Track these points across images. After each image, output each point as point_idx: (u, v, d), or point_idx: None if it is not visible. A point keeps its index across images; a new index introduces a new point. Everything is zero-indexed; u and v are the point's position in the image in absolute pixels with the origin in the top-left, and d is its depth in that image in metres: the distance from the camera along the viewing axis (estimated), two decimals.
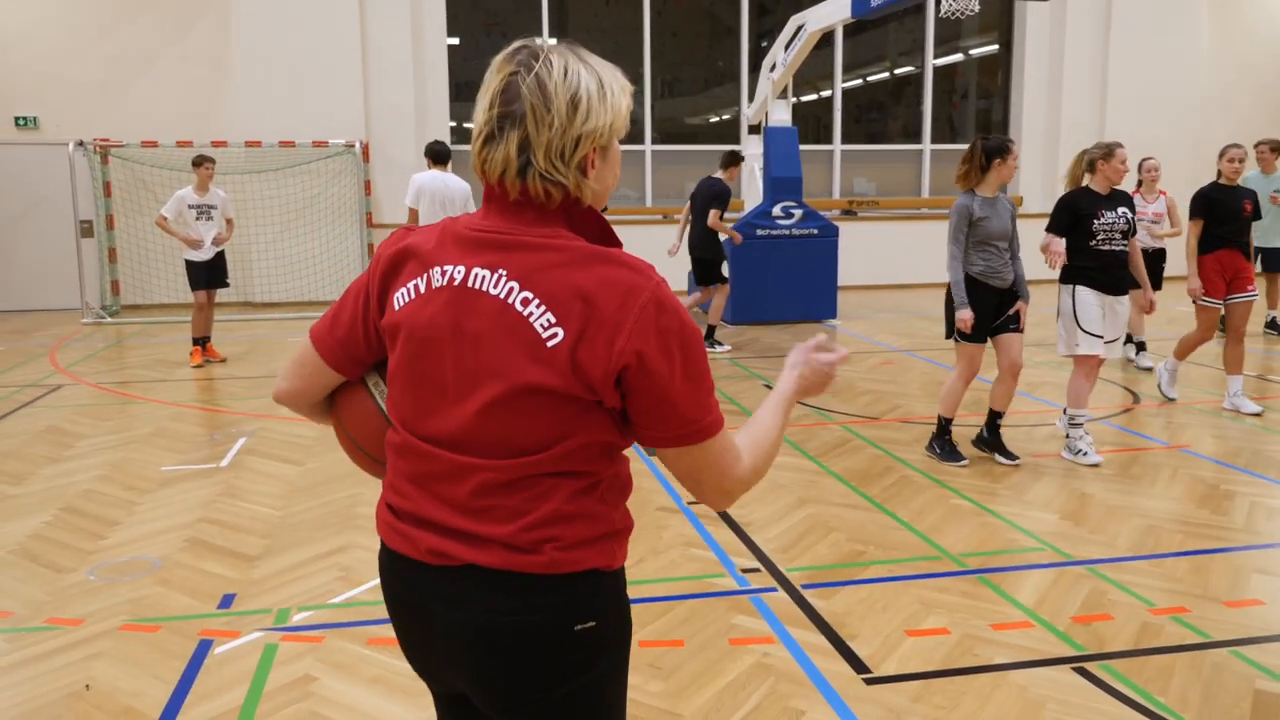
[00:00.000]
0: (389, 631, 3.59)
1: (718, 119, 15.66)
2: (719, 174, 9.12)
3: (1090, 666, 3.25)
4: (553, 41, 1.42)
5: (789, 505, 4.92)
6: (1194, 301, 6.75)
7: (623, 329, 1.32)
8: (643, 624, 3.60)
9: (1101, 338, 5.49)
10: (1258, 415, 6.51)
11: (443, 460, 1.42)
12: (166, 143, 11.80)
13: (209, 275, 8.73)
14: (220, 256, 8.82)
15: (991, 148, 5.33)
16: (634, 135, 14.92)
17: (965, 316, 5.32)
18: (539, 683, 1.41)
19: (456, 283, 1.40)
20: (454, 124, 13.91)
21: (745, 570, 4.10)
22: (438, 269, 1.42)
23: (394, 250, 1.49)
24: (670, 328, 1.35)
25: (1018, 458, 5.52)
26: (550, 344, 1.34)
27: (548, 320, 1.34)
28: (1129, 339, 8.19)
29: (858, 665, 3.28)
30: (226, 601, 3.89)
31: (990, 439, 5.63)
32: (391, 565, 1.52)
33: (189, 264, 8.68)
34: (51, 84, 12.31)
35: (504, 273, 1.37)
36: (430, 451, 1.43)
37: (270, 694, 3.18)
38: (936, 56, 15.59)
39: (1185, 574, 4.02)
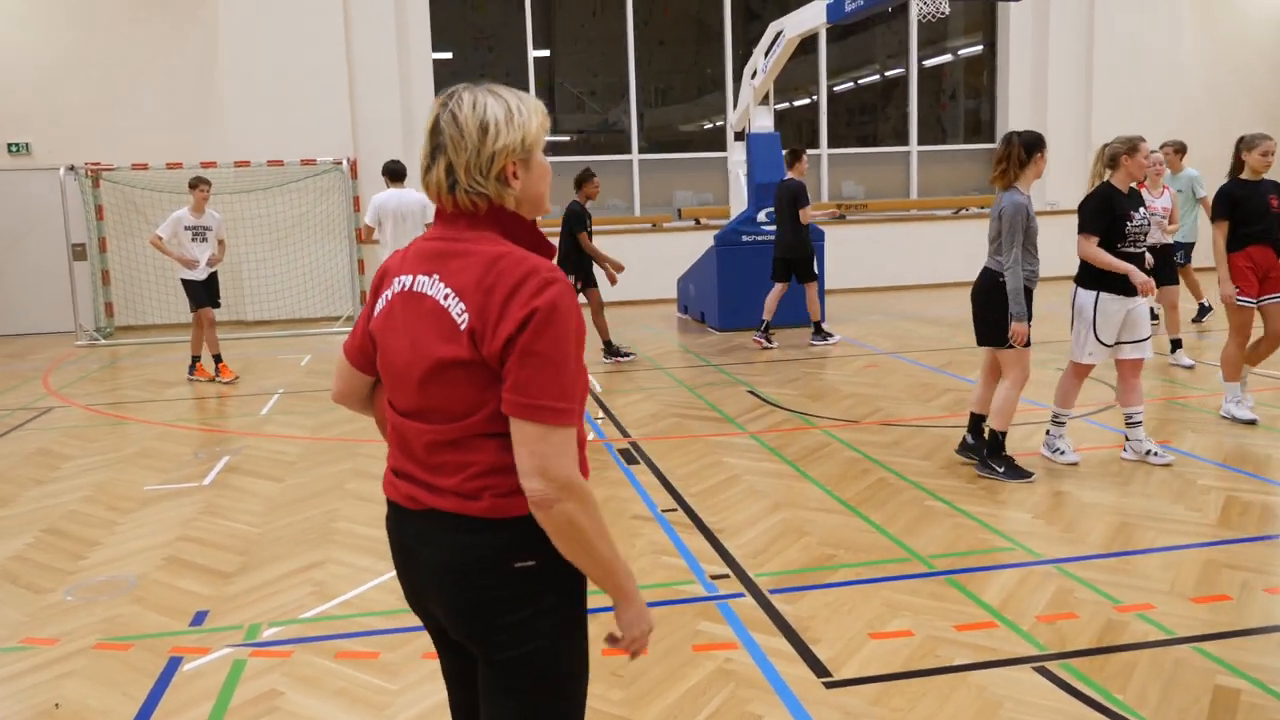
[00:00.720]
0: (357, 645, 3.63)
1: (711, 126, 15.73)
2: (789, 175, 9.55)
3: (1051, 665, 3.27)
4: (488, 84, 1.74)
5: (763, 510, 4.94)
6: (1226, 305, 6.25)
7: (509, 312, 1.59)
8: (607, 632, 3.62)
9: (1111, 346, 5.29)
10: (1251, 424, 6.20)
11: (409, 427, 1.75)
12: (156, 165, 11.89)
13: (209, 293, 8.81)
14: (214, 276, 8.90)
15: (1030, 141, 5.10)
16: (620, 145, 14.99)
17: (1024, 330, 5.05)
18: (489, 611, 1.68)
19: (406, 289, 1.75)
20: None
21: (714, 577, 4.13)
22: (397, 280, 1.78)
23: (380, 270, 1.87)
24: (546, 313, 1.58)
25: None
26: (461, 327, 1.63)
27: (460, 309, 1.64)
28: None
29: (818, 669, 3.30)
30: (199, 619, 3.92)
31: (976, 444, 5.48)
32: (390, 513, 1.84)
33: (189, 284, 8.74)
34: (42, 109, 12.41)
35: (437, 276, 1.70)
36: (401, 421, 1.78)
37: (235, 709, 3.21)
38: (925, 58, 15.66)
39: (1154, 571, 4.04)
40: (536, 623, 1.68)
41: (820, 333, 9.85)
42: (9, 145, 12.41)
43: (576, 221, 8.78)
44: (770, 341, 9.70)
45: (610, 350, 9.19)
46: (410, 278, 1.74)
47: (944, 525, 4.65)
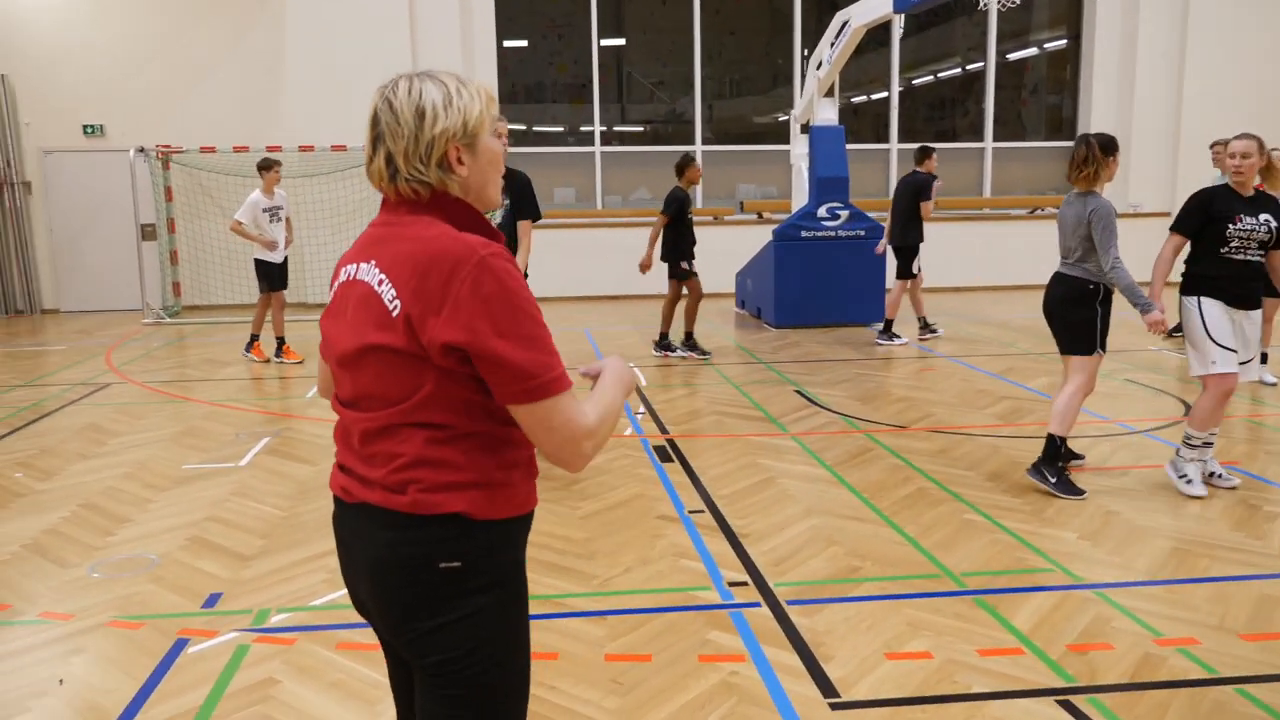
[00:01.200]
0: (359, 636, 3.58)
1: (784, 118, 15.48)
2: (917, 169, 9.52)
3: (1077, 700, 3.06)
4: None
5: (793, 516, 4.77)
6: None
7: (446, 303, 1.53)
8: (614, 637, 3.52)
9: (1236, 352, 4.89)
10: None
11: (346, 416, 1.73)
12: (224, 148, 12.11)
13: (282, 276, 8.91)
14: (286, 260, 8.99)
15: (1106, 143, 4.91)
16: (684, 136, 14.83)
17: (1160, 318, 4.84)
18: (413, 613, 1.61)
19: (349, 278, 1.71)
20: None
21: (732, 584, 3.99)
22: (344, 270, 1.75)
23: (339, 261, 1.83)
24: (492, 294, 1.53)
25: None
26: (394, 312, 1.58)
27: (392, 294, 1.59)
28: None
29: (826, 688, 3.15)
30: (211, 601, 3.92)
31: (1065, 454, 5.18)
32: (335, 507, 1.79)
33: (265, 266, 8.79)
34: (116, 93, 12.75)
35: (374, 262, 1.65)
36: (342, 411, 1.74)
37: (231, 695, 3.18)
38: (1006, 51, 15.16)
39: (1202, 602, 3.77)
40: (464, 627, 1.61)
41: (888, 332, 9.63)
42: (84, 127, 12.80)
43: (666, 203, 8.54)
44: (894, 339, 9.56)
45: (689, 343, 8.98)
46: (354, 266, 1.71)
47: (981, 541, 4.43)
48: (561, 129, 15.06)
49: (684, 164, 8.66)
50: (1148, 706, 3.02)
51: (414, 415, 1.59)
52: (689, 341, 9.02)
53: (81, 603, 3.93)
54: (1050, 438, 5.05)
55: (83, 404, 7.56)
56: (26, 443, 6.40)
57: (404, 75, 1.66)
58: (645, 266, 8.70)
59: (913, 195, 9.42)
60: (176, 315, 12.48)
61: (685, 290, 8.79)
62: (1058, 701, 3.05)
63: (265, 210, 8.73)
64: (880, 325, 9.78)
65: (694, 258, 8.68)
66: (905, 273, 9.49)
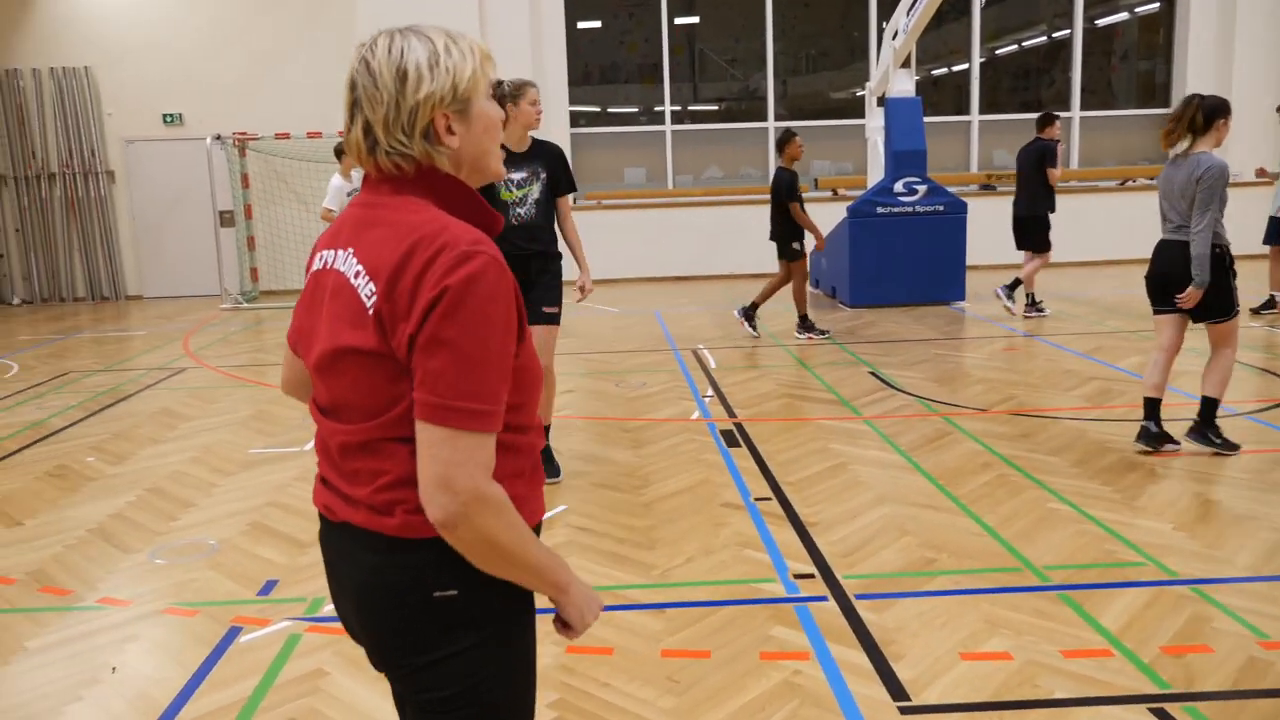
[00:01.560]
0: None
1: (862, 93, 15.04)
2: (1039, 136, 9.31)
3: (1171, 708, 2.80)
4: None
5: (864, 504, 4.55)
6: None
7: (420, 292, 1.32)
8: (672, 631, 3.37)
9: None
10: None
11: (324, 425, 1.52)
12: (298, 134, 12.23)
13: None
14: None
15: (1213, 107, 4.81)
16: (758, 113, 14.52)
17: (1198, 295, 4.81)
18: (405, 645, 1.43)
19: (325, 266, 1.49)
20: (573, 109, 13.90)
21: (798, 576, 3.79)
22: (319, 256, 1.53)
23: (314, 245, 1.61)
24: (459, 293, 1.31)
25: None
26: (370, 310, 1.37)
27: (370, 289, 1.37)
28: None
29: (896, 690, 2.94)
30: (267, 588, 3.88)
31: (1159, 432, 5.12)
32: (320, 523, 1.62)
33: None
34: (194, 82, 12.99)
35: (351, 250, 1.44)
36: (318, 418, 1.54)
37: (280, 686, 3.12)
38: (1096, 17, 14.47)
39: None
40: (461, 662, 1.43)
41: (1035, 305, 9.41)
42: (164, 116, 13.09)
43: (789, 189, 8.31)
44: (1042, 310, 9.37)
45: (805, 325, 8.77)
46: (331, 253, 1.49)
47: (1067, 532, 4.15)
48: (636, 109, 14.89)
49: (784, 140, 8.43)
50: (1252, 717, 2.75)
51: (397, 429, 1.39)
52: (804, 322, 8.82)
53: (140, 589, 3.93)
54: (1210, 402, 5.02)
55: (158, 388, 7.68)
56: (102, 427, 6.51)
57: (385, 31, 1.45)
58: (821, 245, 8.75)
59: (1037, 163, 9.19)
60: (254, 300, 12.70)
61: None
62: (1150, 710, 2.79)
63: (348, 194, 8.90)
64: (1008, 297, 9.48)
65: (804, 238, 8.50)
66: (1040, 245, 9.28)
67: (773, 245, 8.63)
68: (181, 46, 12.95)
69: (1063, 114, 14.41)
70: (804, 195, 8.55)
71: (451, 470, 1.30)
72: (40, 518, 4.78)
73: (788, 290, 8.76)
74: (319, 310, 1.49)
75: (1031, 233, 9.33)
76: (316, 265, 1.52)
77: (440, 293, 1.30)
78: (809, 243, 8.58)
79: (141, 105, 13.10)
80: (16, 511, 4.87)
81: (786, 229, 8.42)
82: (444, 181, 1.45)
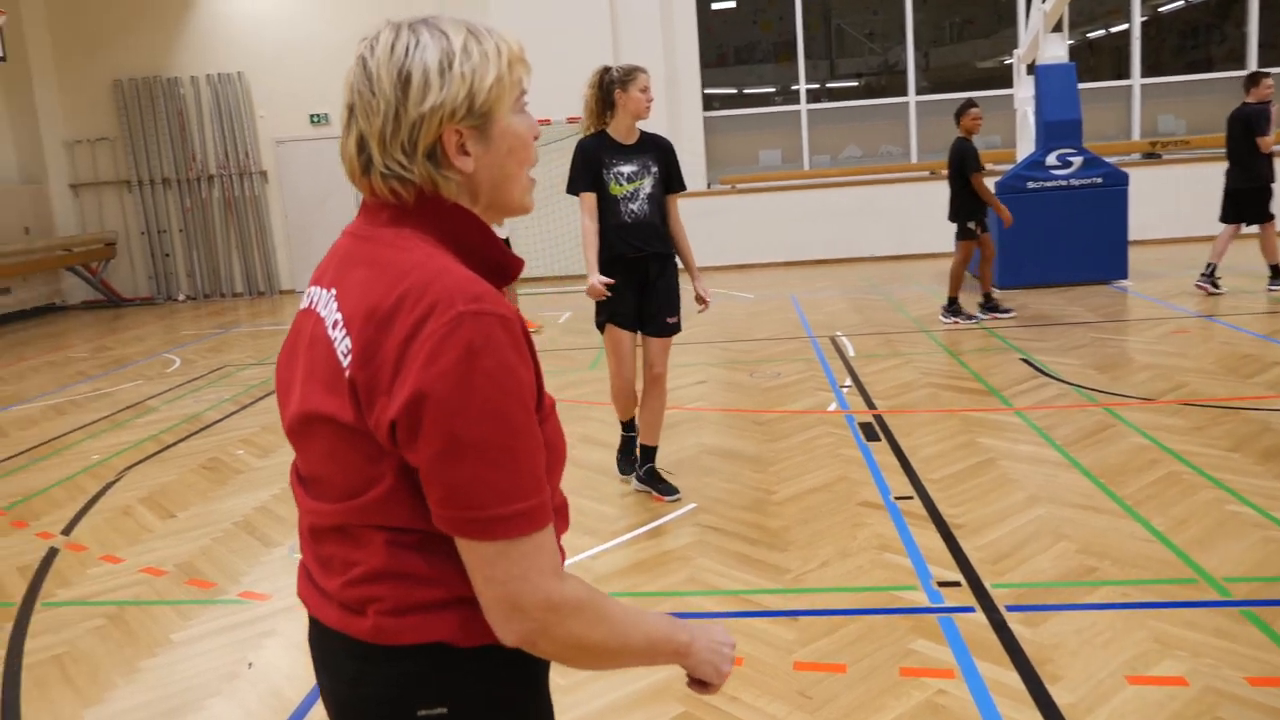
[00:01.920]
0: None
1: (1010, 61, 14.29)
2: (1247, 99, 8.64)
3: None
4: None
5: (1016, 504, 4.23)
6: None
7: (405, 368, 1.07)
8: (805, 642, 3.19)
9: None
10: None
11: (301, 501, 1.28)
12: None
13: None
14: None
15: None
16: (898, 87, 13.95)
17: None
18: None
19: (309, 305, 1.26)
20: (706, 91, 13.68)
21: (942, 584, 3.54)
22: (307, 292, 1.30)
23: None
24: (455, 370, 1.05)
25: None
26: (345, 373, 1.13)
27: (346, 346, 1.13)
28: None
29: (1053, 716, 2.68)
30: None
31: None
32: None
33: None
34: (338, 83, 13.26)
35: (334, 291, 1.20)
36: (296, 491, 1.30)
37: None
38: None
39: None
40: None
41: (1211, 277, 8.74)
42: (311, 116, 13.61)
43: (971, 159, 7.90)
44: (1217, 287, 8.72)
45: (953, 308, 8.39)
46: (318, 290, 1.24)
47: (1250, 539, 3.73)
48: (771, 89, 14.57)
49: (961, 111, 8.03)
50: None
51: (373, 515, 1.15)
52: (989, 302, 8.41)
53: (279, 583, 4.01)
54: None
55: None
56: (253, 420, 6.77)
57: (393, 23, 1.20)
58: (1007, 221, 8.21)
59: (1243, 130, 8.44)
60: None
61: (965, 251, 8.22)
62: None
63: None
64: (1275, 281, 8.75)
65: (985, 214, 8.07)
66: (1258, 215, 8.49)
67: (951, 226, 8.16)
68: (325, 48, 13.39)
69: (1236, 73, 13.28)
70: (945, 170, 8.10)
71: (514, 588, 1.09)
72: (191, 509, 4.98)
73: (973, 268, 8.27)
74: (297, 362, 1.25)
75: (1245, 205, 8.50)
76: (303, 303, 1.28)
77: (436, 379, 1.05)
78: (991, 220, 8.07)
79: (290, 107, 13.65)
80: (171, 504, 5.09)
81: (965, 205, 7.99)
82: (451, 215, 1.19)
